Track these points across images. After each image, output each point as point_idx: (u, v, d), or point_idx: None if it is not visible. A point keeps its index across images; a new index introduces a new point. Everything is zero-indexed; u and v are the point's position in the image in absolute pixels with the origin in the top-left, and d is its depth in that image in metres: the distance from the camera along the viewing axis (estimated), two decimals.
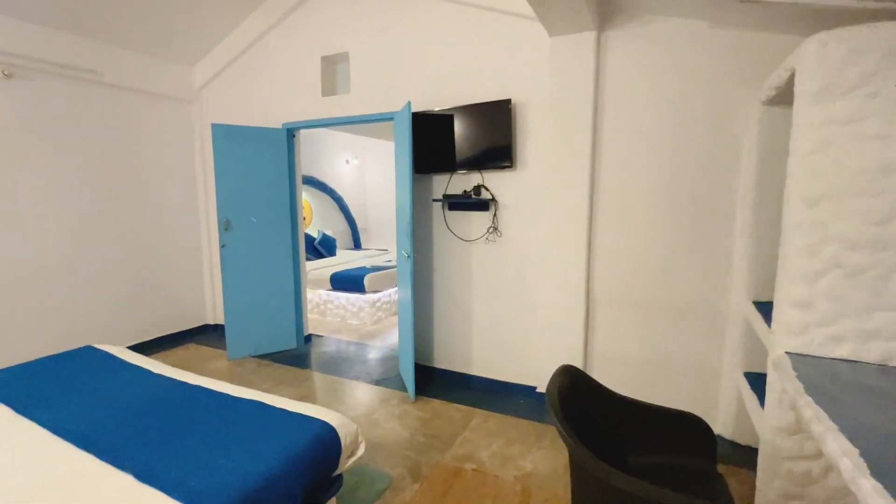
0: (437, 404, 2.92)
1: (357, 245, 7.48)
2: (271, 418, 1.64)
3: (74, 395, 1.86)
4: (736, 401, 2.35)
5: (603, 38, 2.53)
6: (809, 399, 1.22)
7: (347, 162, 7.44)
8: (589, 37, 2.50)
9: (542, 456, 2.35)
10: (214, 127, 3.49)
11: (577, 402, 1.54)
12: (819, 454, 1.50)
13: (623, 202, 2.59)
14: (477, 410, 2.83)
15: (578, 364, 2.75)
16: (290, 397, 2.97)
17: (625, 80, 2.52)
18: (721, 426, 2.42)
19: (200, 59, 4.07)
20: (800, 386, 1.30)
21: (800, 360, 1.49)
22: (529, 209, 2.87)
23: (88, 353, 2.33)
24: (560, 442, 2.45)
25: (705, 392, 2.49)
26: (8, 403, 1.77)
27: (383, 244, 7.66)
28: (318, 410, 1.69)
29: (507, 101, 2.75)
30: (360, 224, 7.62)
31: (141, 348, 3.84)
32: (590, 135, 2.57)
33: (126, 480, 1.30)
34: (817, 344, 1.51)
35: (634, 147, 2.53)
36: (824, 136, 1.45)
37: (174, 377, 2.05)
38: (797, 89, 1.54)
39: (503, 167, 2.86)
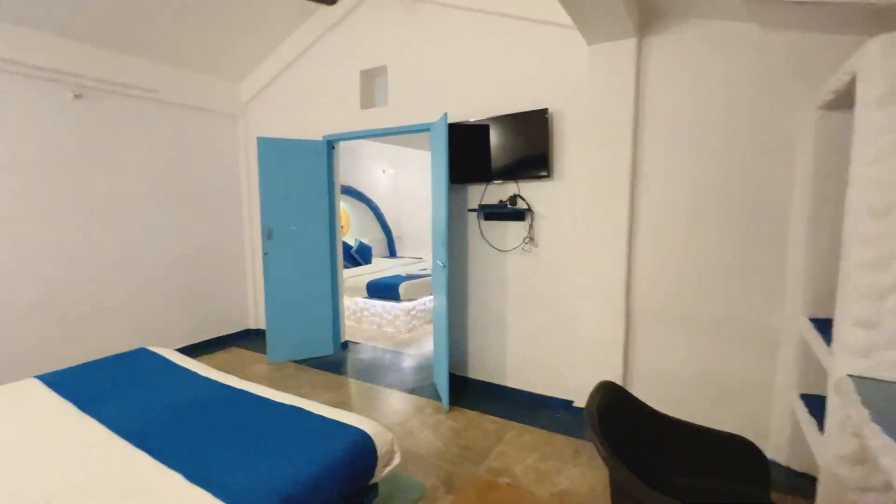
0: (471, 415, 2.90)
1: (392, 253, 7.58)
2: (310, 424, 1.68)
3: (130, 395, 1.98)
4: (791, 424, 2.20)
5: (644, 44, 2.48)
6: (876, 427, 1.12)
7: (384, 171, 7.59)
8: (629, 44, 2.45)
9: (579, 473, 2.28)
10: (260, 140, 3.65)
11: (618, 420, 1.49)
12: (888, 487, 1.38)
13: (666, 212, 2.50)
14: (511, 423, 2.79)
15: (618, 379, 2.66)
16: (327, 403, 3.04)
17: (667, 88, 2.44)
18: (774, 450, 2.27)
19: (247, 76, 4.28)
20: (865, 413, 1.21)
21: (865, 384, 1.38)
22: (566, 219, 2.83)
23: (142, 354, 2.47)
24: (598, 460, 2.38)
25: (756, 413, 2.35)
26: (72, 400, 1.90)
27: (417, 252, 7.74)
28: (356, 418, 1.72)
29: (544, 111, 2.73)
30: (395, 232, 7.74)
31: (188, 351, 4.03)
32: (630, 143, 2.51)
33: (176, 479, 1.37)
34: (885, 367, 1.40)
35: (677, 155, 2.44)
36: (890, 142, 1.35)
37: (219, 380, 2.13)
38: (859, 93, 1.44)
39: (540, 177, 2.83)
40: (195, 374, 2.20)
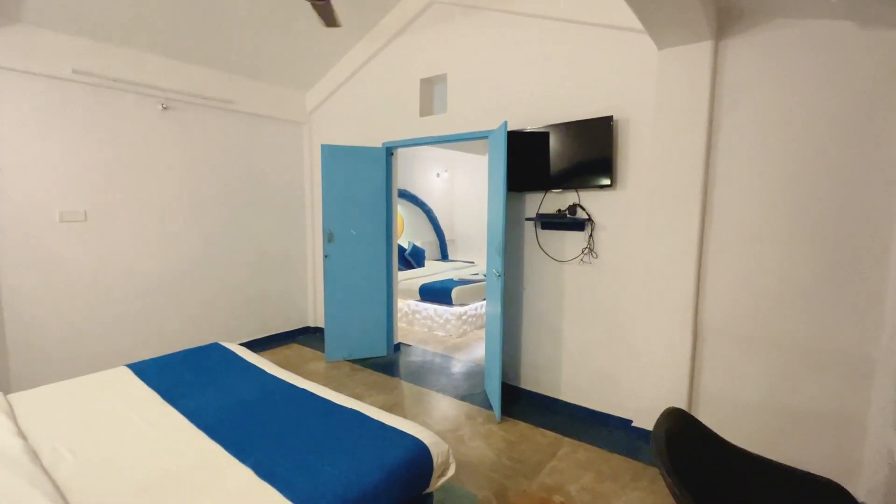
0: (523, 427, 2.85)
1: (444, 256, 7.64)
2: (370, 430, 1.73)
3: (205, 388, 2.13)
4: (888, 466, 1.97)
5: (721, 47, 2.33)
6: None
7: (438, 175, 7.67)
8: (704, 47, 2.31)
9: (638, 498, 2.18)
10: (323, 147, 3.82)
11: (687, 450, 1.41)
12: None
13: (743, 228, 2.33)
14: (565, 438, 2.72)
15: (682, 402, 2.51)
16: (380, 404, 3.13)
17: (747, 93, 2.28)
18: (866, 493, 2.04)
19: (313, 86, 4.49)
20: None
21: None
22: (630, 231, 2.71)
23: (216, 349, 2.65)
24: (659, 486, 2.26)
25: (843, 452, 2.13)
26: (158, 390, 2.08)
27: (470, 256, 7.74)
28: (413, 427, 1.74)
29: (609, 118, 2.64)
30: (447, 236, 7.79)
31: (253, 345, 4.29)
32: (703, 153, 2.37)
33: (247, 474, 1.45)
34: None
35: (758, 164, 2.27)
36: None
37: (284, 378, 2.25)
38: None
39: (602, 186, 2.74)
40: (262, 371, 2.34)
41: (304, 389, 2.11)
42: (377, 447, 1.61)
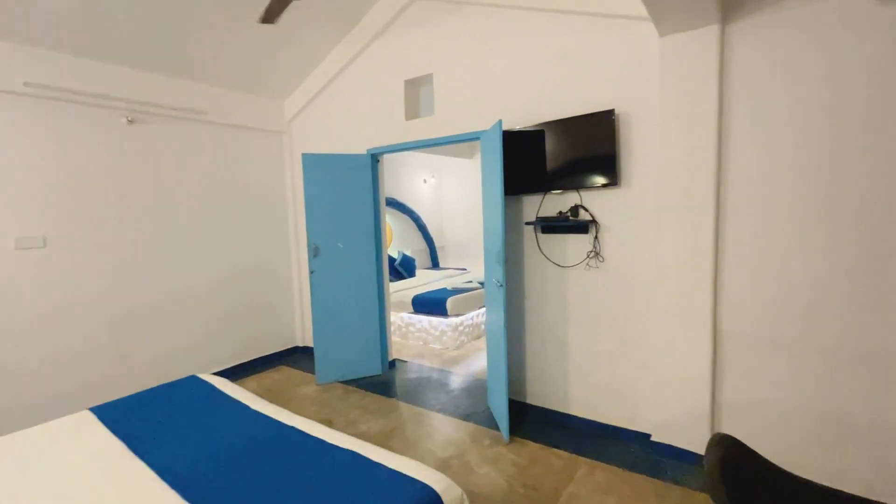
0: (534, 448, 2.65)
1: (435, 264, 7.43)
2: (370, 475, 1.50)
3: (180, 431, 1.88)
4: None
5: (728, 31, 2.18)
6: None
7: (425, 181, 7.47)
8: (710, 32, 2.16)
9: None
10: (304, 156, 3.58)
11: (744, 483, 1.22)
12: None
13: (763, 223, 2.17)
14: (581, 458, 2.52)
15: (704, 413, 2.34)
16: (379, 430, 2.90)
17: (758, 80, 2.13)
18: None
19: (291, 93, 4.26)
20: None
21: None
22: (638, 231, 2.54)
23: (192, 384, 2.39)
24: None
25: (883, 460, 1.97)
26: (122, 438, 1.82)
27: (461, 263, 7.54)
28: (420, 469, 1.52)
29: (610, 112, 2.47)
30: (437, 243, 7.58)
31: (238, 370, 4.01)
32: (714, 144, 2.21)
33: None
34: None
35: (778, 157, 2.11)
36: None
37: (271, 415, 2.01)
38: None
39: (605, 185, 2.56)
40: (246, 408, 2.09)
41: (293, 428, 1.87)
42: (380, 496, 1.38)
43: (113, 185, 3.22)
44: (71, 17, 2.68)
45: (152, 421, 1.98)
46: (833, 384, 2.06)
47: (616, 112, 2.49)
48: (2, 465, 1.64)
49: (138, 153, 3.35)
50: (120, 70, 3.17)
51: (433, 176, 7.62)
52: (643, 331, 2.57)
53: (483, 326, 5.05)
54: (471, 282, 5.71)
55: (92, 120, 3.09)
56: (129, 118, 3.26)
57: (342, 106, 3.97)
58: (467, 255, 7.47)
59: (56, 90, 2.87)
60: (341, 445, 1.70)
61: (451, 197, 7.74)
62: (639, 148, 2.50)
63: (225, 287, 3.95)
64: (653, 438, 2.54)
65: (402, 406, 3.31)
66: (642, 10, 2.29)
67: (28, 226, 2.83)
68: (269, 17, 2.12)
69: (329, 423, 3.01)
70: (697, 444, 2.38)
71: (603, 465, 2.45)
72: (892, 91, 1.86)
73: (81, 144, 3.05)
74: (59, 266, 2.97)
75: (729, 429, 2.30)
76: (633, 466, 2.41)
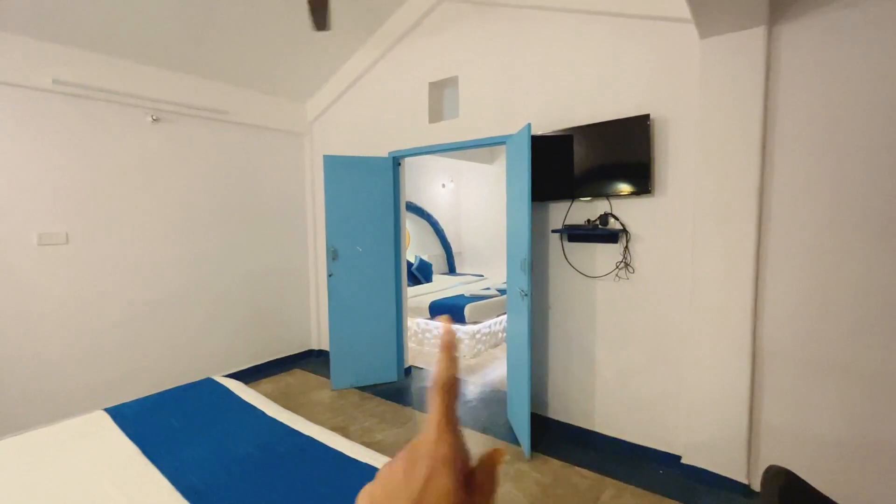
0: (556, 465, 2.53)
1: (452, 270, 7.34)
2: None
3: (195, 437, 1.83)
4: None
5: (775, 32, 2.06)
6: None
7: (443, 186, 7.41)
8: (756, 34, 2.05)
9: None
10: (326, 158, 3.55)
11: None
12: None
13: (809, 237, 2.04)
14: (607, 479, 2.39)
15: (741, 437, 2.20)
16: (394, 440, 2.81)
17: (807, 84, 2.01)
18: None
19: (313, 95, 4.24)
20: None
21: None
22: (672, 243, 2.42)
23: (208, 386, 2.35)
24: None
25: None
26: (137, 441, 1.77)
27: (478, 269, 7.44)
28: None
29: (645, 118, 2.37)
30: (454, 248, 7.50)
31: (253, 372, 3.98)
32: (758, 153, 2.09)
33: None
34: None
35: (825, 166, 1.98)
36: None
37: (286, 422, 1.94)
38: None
39: (638, 193, 2.45)
40: (262, 414, 2.03)
41: (309, 437, 1.80)
42: None
43: (135, 184, 3.22)
44: (98, 15, 2.69)
45: (167, 425, 1.93)
46: (883, 409, 1.90)
47: (651, 117, 2.39)
48: (13, 467, 1.61)
49: (161, 152, 3.35)
50: (146, 69, 3.18)
51: (452, 180, 7.56)
52: (676, 347, 2.44)
53: (501, 335, 4.94)
54: (489, 289, 5.61)
55: (117, 118, 3.10)
56: (154, 117, 3.27)
57: (364, 108, 3.93)
58: (484, 261, 7.37)
59: (83, 88, 2.89)
60: (360, 459, 1.62)
61: (470, 202, 7.66)
62: (675, 154, 2.38)
63: (243, 287, 3.93)
64: (683, 461, 2.40)
65: (418, 416, 3.22)
66: (679, 12, 2.19)
67: (51, 222, 2.84)
68: (320, 23, 2.08)
69: (344, 430, 2.94)
70: (733, 469, 2.24)
71: (631, 487, 2.32)
72: None
73: (106, 142, 3.06)
74: (80, 263, 2.97)
75: (766, 453, 2.16)
76: (664, 490, 2.28)
